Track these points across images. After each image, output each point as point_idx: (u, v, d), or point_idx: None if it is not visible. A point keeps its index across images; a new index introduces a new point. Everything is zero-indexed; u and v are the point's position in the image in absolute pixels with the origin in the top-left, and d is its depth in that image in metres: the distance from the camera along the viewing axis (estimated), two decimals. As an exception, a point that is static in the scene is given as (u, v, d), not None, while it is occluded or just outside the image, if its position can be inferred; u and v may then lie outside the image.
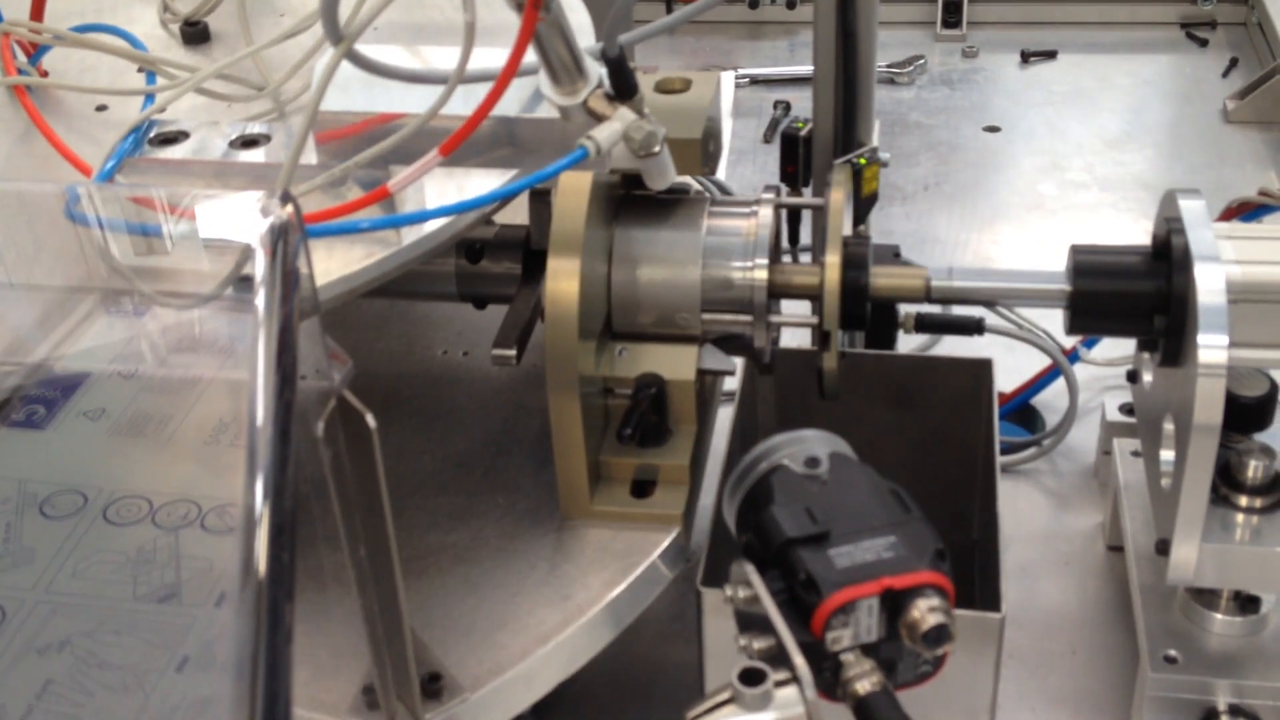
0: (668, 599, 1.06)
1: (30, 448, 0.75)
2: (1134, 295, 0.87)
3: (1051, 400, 1.25)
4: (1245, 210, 1.11)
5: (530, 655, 0.79)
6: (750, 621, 0.68)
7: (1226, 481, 0.88)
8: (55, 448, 0.76)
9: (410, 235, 0.75)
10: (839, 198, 0.88)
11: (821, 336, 0.88)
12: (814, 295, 0.88)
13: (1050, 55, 1.90)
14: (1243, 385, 0.90)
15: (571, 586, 0.84)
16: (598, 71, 0.72)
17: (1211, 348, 0.79)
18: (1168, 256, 0.86)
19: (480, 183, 0.78)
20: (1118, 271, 0.88)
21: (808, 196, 1.14)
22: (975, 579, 1.02)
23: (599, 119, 0.71)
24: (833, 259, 0.86)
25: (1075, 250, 0.89)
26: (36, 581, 0.68)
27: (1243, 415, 0.90)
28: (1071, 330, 0.91)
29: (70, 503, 0.72)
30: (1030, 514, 1.14)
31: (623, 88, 0.71)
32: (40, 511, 0.71)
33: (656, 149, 0.73)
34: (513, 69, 0.64)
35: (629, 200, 0.89)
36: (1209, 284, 0.81)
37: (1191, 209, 0.86)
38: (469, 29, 0.64)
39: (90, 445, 0.76)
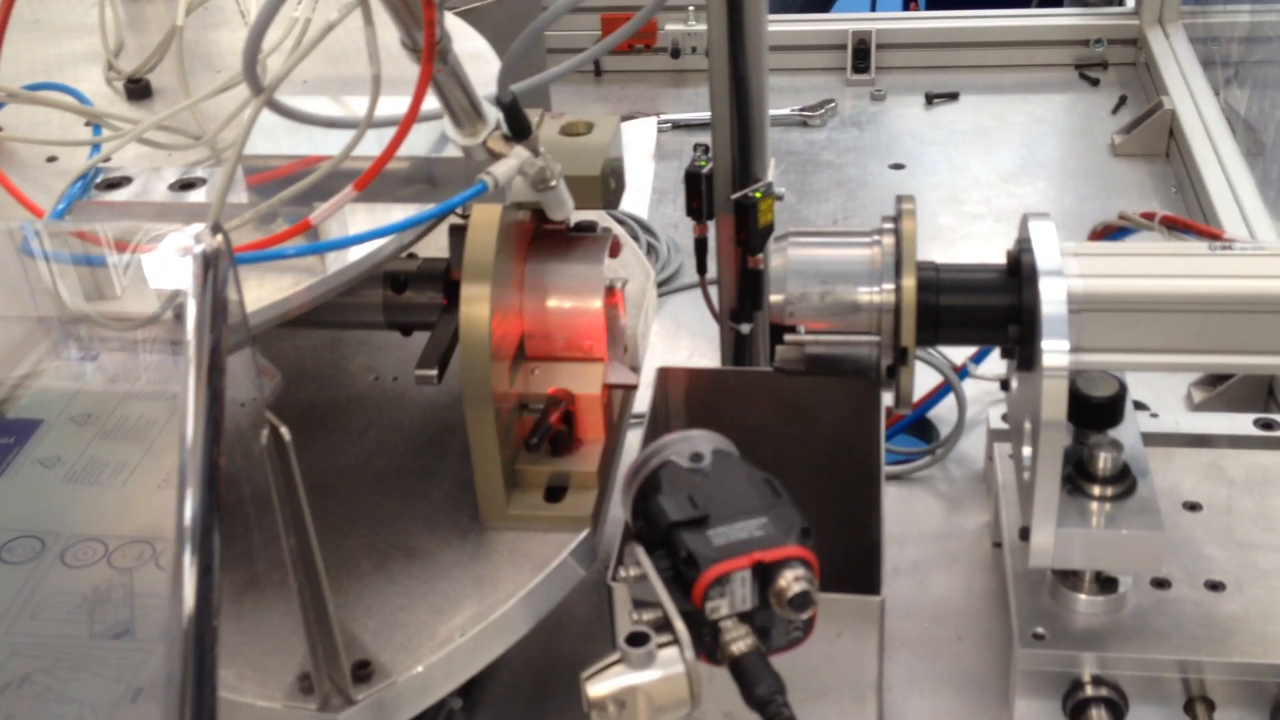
0: (590, 602, 1.14)
1: (-14, 495, 0.80)
2: (990, 308, 0.96)
3: (945, 414, 1.35)
4: (1109, 232, 1.21)
5: (450, 644, 0.87)
6: (646, 604, 0.77)
7: (1081, 474, 0.97)
8: (11, 495, 0.81)
9: (334, 264, 0.84)
10: (911, 226, 0.97)
11: (900, 352, 0.96)
12: None
13: (953, 97, 2.02)
14: (1094, 387, 1.00)
15: (489, 583, 0.92)
16: (496, 115, 0.81)
17: (1054, 352, 0.89)
18: (1019, 272, 0.96)
19: (398, 216, 0.87)
20: (976, 287, 0.98)
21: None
22: (877, 577, 1.10)
23: (497, 157, 0.80)
24: (909, 282, 0.95)
25: (940, 269, 0.99)
26: (-3, 623, 0.73)
27: (1095, 413, 0.99)
28: (940, 340, 1.01)
29: (28, 548, 0.77)
30: (924, 516, 1.24)
31: (517, 129, 0.80)
32: (-1, 557, 0.76)
33: (552, 183, 0.82)
34: (413, 114, 0.73)
35: (539, 235, 0.98)
36: (1051, 295, 0.90)
37: (1040, 230, 0.96)
38: (375, 81, 0.73)
39: (46, 492, 0.81)
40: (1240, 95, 1.79)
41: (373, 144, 0.81)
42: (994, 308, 0.96)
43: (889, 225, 0.98)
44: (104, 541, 0.78)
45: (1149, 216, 1.15)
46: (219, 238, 0.66)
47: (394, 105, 0.80)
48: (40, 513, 0.81)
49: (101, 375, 0.85)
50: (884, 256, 0.97)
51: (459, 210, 0.83)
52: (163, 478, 0.80)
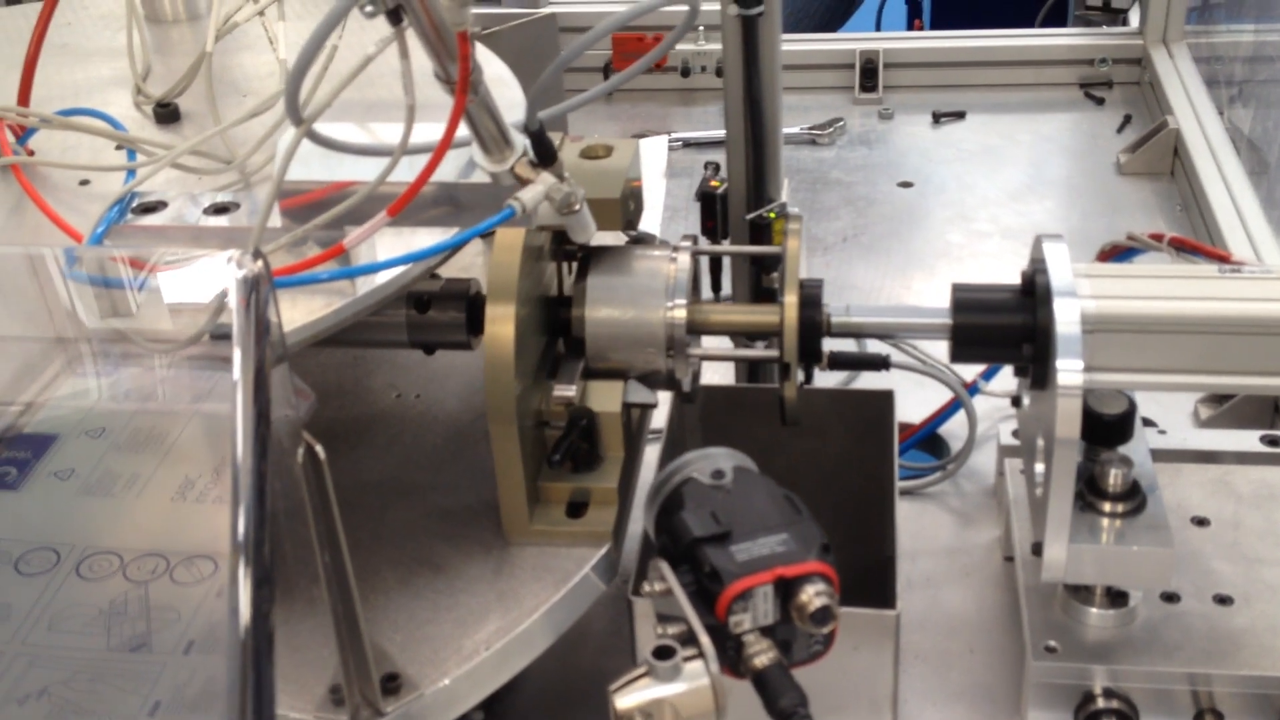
0: (608, 616, 1.16)
1: (2, 508, 0.82)
2: (1005, 327, 0.98)
3: (957, 430, 1.37)
4: (1117, 252, 1.23)
5: (475, 658, 0.89)
6: (669, 618, 0.79)
7: (1092, 490, 0.99)
8: (27, 508, 0.82)
9: (364, 287, 0.86)
10: (795, 245, 0.99)
11: (782, 369, 0.97)
12: (773, 332, 0.98)
13: (960, 116, 2.05)
14: (1105, 405, 1.02)
15: (513, 598, 0.94)
16: (523, 142, 0.83)
17: (1068, 371, 0.90)
18: (1033, 293, 0.98)
19: (426, 240, 0.89)
20: (991, 306, 1.00)
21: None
22: (892, 591, 1.12)
23: (524, 183, 0.82)
24: (791, 299, 0.97)
25: (955, 288, 1.01)
26: (14, 635, 0.73)
27: (1106, 431, 1.01)
28: (955, 358, 1.03)
29: (44, 560, 0.77)
30: (935, 531, 1.25)
31: (543, 155, 0.82)
32: (15, 569, 0.77)
33: (577, 207, 0.85)
34: (447, 142, 0.76)
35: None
36: (1066, 316, 0.92)
37: (1054, 251, 0.98)
38: (409, 110, 0.76)
39: (61, 505, 0.82)
40: (1244, 114, 1.81)
41: (403, 170, 0.83)
42: (1009, 327, 0.98)
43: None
44: (119, 554, 0.79)
45: (1157, 237, 1.16)
46: (260, 262, 0.69)
47: (424, 131, 0.82)
48: (56, 525, 0.82)
49: (116, 391, 0.87)
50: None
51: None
52: (175, 491, 0.82)
